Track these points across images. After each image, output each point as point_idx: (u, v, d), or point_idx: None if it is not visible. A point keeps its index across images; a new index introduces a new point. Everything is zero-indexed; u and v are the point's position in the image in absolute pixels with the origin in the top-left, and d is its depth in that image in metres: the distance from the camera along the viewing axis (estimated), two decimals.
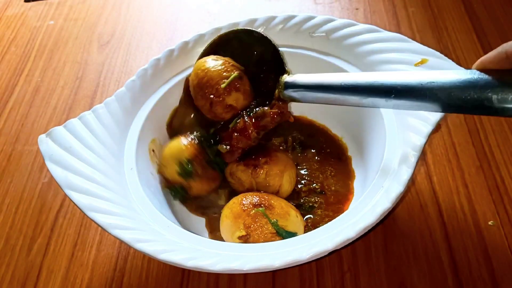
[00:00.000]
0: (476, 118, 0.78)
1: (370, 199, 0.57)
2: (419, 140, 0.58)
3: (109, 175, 0.62)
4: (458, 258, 0.62)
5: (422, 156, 0.74)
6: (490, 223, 0.65)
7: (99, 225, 0.55)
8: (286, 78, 0.64)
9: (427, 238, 0.64)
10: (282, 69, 0.66)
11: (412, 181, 0.70)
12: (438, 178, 0.71)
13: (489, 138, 0.75)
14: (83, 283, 0.64)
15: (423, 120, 0.60)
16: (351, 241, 0.52)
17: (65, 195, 0.74)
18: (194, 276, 0.64)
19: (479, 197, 0.68)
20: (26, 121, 0.88)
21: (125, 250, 0.67)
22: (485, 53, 0.87)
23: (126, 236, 0.54)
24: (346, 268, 0.62)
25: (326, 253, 0.52)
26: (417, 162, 0.56)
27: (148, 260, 0.66)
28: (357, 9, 1.02)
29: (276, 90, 0.64)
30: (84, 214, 0.55)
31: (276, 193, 0.64)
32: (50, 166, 0.59)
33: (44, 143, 0.62)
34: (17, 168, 0.80)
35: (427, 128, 0.59)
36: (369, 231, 0.56)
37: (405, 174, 0.56)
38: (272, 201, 0.61)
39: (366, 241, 0.65)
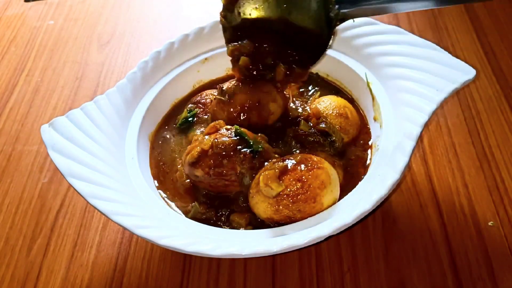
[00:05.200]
0: (476, 119, 0.78)
1: (367, 186, 0.59)
2: (415, 130, 0.59)
3: (111, 164, 0.63)
4: (458, 258, 0.62)
5: (422, 156, 0.74)
6: (490, 223, 0.65)
7: (100, 212, 0.56)
8: None
9: (427, 239, 0.64)
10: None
11: (412, 182, 0.70)
12: (438, 178, 0.71)
13: (489, 138, 0.75)
14: (83, 284, 0.64)
15: (419, 110, 0.61)
16: (347, 226, 0.54)
17: (65, 195, 0.75)
18: (194, 276, 0.64)
19: (479, 197, 0.68)
20: (26, 121, 0.88)
21: (125, 251, 0.67)
22: (485, 53, 0.88)
23: (127, 222, 0.55)
24: (346, 268, 0.62)
25: (323, 238, 0.53)
26: (412, 151, 0.57)
27: (148, 260, 0.66)
28: None
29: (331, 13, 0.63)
30: (86, 201, 0.56)
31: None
32: (53, 155, 0.60)
33: (47, 132, 0.63)
34: (17, 168, 0.80)
35: (423, 118, 0.60)
36: (366, 217, 0.57)
37: (401, 162, 0.57)
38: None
39: (366, 241, 0.65)
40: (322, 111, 0.69)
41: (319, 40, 0.66)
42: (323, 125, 0.67)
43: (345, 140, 0.68)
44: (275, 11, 0.67)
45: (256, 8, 0.67)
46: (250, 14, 0.68)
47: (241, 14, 0.68)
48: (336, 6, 0.62)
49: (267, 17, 0.67)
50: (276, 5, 0.67)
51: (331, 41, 0.65)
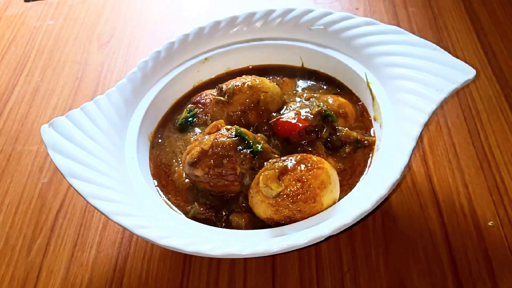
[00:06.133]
0: (476, 119, 0.78)
1: (367, 186, 0.58)
2: (415, 130, 0.59)
3: (111, 164, 0.63)
4: (458, 258, 0.62)
5: (422, 156, 0.74)
6: (490, 223, 0.65)
7: (100, 212, 0.56)
8: None
9: (427, 239, 0.64)
10: None
11: (412, 182, 0.70)
12: (438, 179, 0.71)
13: (489, 138, 0.75)
14: (83, 284, 0.64)
15: (419, 110, 0.61)
16: (347, 226, 0.54)
17: (65, 195, 0.75)
18: (194, 276, 0.64)
19: (479, 197, 0.68)
20: (26, 121, 0.88)
21: (125, 251, 0.67)
22: (485, 53, 0.88)
23: (127, 222, 0.55)
24: (346, 268, 0.62)
25: (323, 238, 0.53)
26: (413, 151, 0.57)
27: (148, 261, 0.66)
28: (357, 8, 1.02)
29: None
30: (86, 201, 0.57)
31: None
32: (53, 155, 0.60)
33: (47, 132, 0.63)
34: (17, 168, 0.80)
35: (423, 118, 0.60)
36: (366, 217, 0.57)
37: (401, 162, 0.57)
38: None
39: (366, 241, 0.65)
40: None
41: None
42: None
43: (344, 140, 0.68)
44: None
45: None
46: None
47: None
48: None
49: None
50: None
51: None
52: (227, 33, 0.80)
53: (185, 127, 0.74)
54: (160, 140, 0.73)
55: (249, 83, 0.70)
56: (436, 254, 0.63)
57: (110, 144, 0.66)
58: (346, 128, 0.69)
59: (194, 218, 0.63)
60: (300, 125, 0.66)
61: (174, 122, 0.75)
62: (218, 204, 0.64)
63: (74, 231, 0.70)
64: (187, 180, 0.67)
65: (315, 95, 0.74)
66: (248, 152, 0.62)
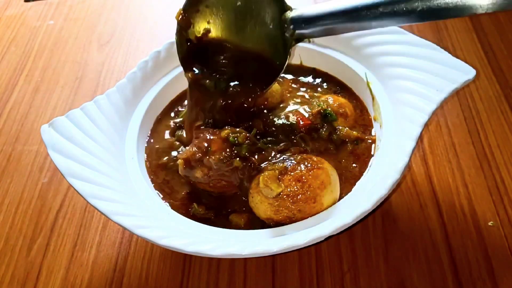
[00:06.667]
0: (476, 119, 0.78)
1: (367, 186, 0.59)
2: (415, 130, 0.59)
3: (111, 164, 0.63)
4: (458, 258, 0.62)
5: (422, 156, 0.74)
6: (490, 223, 0.65)
7: (100, 212, 0.56)
8: (290, 14, 0.60)
9: (427, 239, 0.64)
10: (282, 9, 0.61)
11: (412, 182, 0.70)
12: (438, 179, 0.71)
13: (489, 138, 0.75)
14: (83, 284, 0.64)
15: (419, 110, 0.61)
16: (347, 226, 0.54)
17: (65, 195, 0.75)
18: (194, 276, 0.64)
19: (479, 197, 0.68)
20: (26, 121, 0.88)
21: (125, 251, 0.67)
22: (485, 53, 0.88)
23: (127, 222, 0.55)
24: (346, 268, 0.62)
25: (323, 238, 0.53)
26: (413, 151, 0.57)
27: (148, 260, 0.66)
28: None
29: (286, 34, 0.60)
30: (86, 201, 0.57)
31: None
32: (53, 155, 0.60)
33: (47, 132, 0.63)
34: (17, 168, 0.80)
35: (423, 118, 0.60)
36: (366, 217, 0.57)
37: (401, 162, 0.57)
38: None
39: (366, 241, 0.65)
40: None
41: (274, 60, 0.65)
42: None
43: (344, 139, 0.68)
44: (229, 29, 0.66)
45: (209, 22, 0.66)
46: (204, 33, 0.67)
47: (195, 33, 0.67)
48: (291, 26, 0.61)
49: (221, 37, 0.66)
50: (230, 22, 0.65)
51: (287, 62, 0.64)
52: None
53: None
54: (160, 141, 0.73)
55: None
56: (436, 254, 0.63)
57: (110, 144, 0.66)
58: (346, 128, 0.69)
59: (194, 218, 0.63)
60: (302, 123, 0.66)
61: (174, 122, 0.75)
62: (218, 204, 0.64)
63: (74, 231, 0.70)
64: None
65: (315, 94, 0.74)
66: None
